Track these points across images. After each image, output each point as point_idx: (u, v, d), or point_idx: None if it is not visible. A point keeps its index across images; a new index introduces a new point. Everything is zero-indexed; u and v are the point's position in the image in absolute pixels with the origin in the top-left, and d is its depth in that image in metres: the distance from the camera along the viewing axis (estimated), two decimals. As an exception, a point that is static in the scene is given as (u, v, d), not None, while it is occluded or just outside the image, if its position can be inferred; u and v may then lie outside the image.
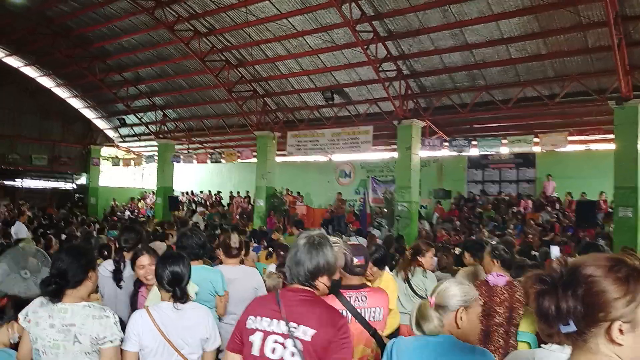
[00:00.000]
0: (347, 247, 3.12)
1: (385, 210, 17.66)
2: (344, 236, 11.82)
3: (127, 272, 3.71)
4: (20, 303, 2.82)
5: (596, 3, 10.47)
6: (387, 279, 4.00)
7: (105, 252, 4.98)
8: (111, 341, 2.45)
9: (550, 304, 1.17)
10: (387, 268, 4.22)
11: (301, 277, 2.06)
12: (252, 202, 20.06)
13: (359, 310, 2.91)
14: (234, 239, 4.02)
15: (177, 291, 2.72)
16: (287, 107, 18.35)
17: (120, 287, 3.66)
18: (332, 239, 2.19)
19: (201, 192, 24.87)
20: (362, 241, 11.19)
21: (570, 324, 1.15)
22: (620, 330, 1.13)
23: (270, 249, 6.66)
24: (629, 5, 10.69)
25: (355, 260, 2.92)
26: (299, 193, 20.78)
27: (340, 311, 2.54)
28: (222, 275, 3.71)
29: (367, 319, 2.92)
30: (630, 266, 1.17)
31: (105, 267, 3.79)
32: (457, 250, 9.93)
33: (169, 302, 2.72)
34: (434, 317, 2.13)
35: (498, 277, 3.54)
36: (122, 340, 2.52)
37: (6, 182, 23.38)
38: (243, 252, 4.27)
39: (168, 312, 2.69)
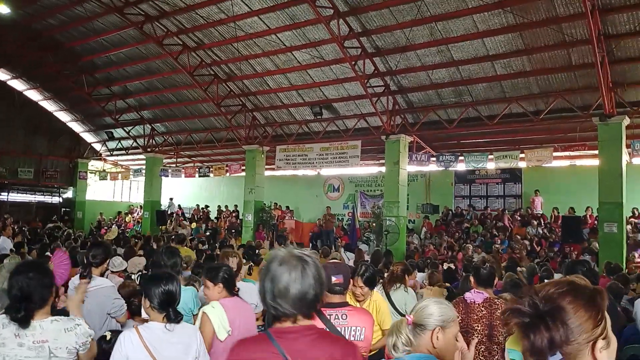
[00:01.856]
0: (327, 265, 3.12)
1: (374, 224, 17.66)
2: (332, 251, 11.84)
3: (94, 287, 3.75)
4: None
5: (579, 21, 10.68)
6: (378, 299, 3.97)
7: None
8: (88, 343, 2.59)
9: (542, 338, 1.18)
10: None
11: (304, 309, 1.70)
12: (240, 217, 19.96)
13: (339, 329, 2.91)
14: (232, 263, 4.11)
15: (171, 312, 2.67)
16: (276, 122, 18.38)
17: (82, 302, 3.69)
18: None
19: (177, 204, 24.80)
20: (351, 256, 11.18)
21: (557, 354, 1.18)
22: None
23: (251, 263, 6.65)
24: (611, 23, 10.90)
25: (334, 279, 2.91)
26: (287, 207, 20.73)
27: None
28: (196, 293, 3.83)
29: (347, 337, 2.90)
30: (588, 287, 1.22)
31: (74, 282, 3.82)
32: (446, 266, 9.99)
33: (160, 322, 2.66)
34: (403, 333, 2.11)
35: (476, 293, 3.54)
36: (91, 336, 2.62)
37: (-9, 196, 23.09)
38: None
39: (159, 333, 2.63)
